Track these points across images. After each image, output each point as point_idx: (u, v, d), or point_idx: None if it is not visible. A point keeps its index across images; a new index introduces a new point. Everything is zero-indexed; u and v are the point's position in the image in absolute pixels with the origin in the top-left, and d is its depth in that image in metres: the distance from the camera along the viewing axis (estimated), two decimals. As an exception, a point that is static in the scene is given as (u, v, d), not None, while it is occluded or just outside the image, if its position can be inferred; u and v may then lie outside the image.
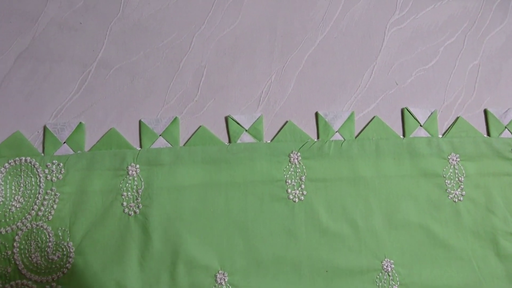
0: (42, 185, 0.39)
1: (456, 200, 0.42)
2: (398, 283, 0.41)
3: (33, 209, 0.39)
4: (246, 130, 0.42)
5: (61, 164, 0.40)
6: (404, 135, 0.43)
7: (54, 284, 0.38)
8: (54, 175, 0.40)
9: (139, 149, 0.41)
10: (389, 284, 0.41)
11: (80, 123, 0.41)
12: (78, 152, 0.41)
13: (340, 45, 0.45)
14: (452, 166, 0.42)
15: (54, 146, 0.41)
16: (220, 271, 0.40)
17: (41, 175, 0.40)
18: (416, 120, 0.43)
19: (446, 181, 0.43)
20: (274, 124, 0.43)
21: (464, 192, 0.42)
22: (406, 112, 0.44)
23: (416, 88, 0.45)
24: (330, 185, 0.42)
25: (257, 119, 0.43)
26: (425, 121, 0.44)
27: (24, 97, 0.42)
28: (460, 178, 0.43)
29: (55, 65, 0.43)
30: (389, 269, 0.41)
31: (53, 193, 0.39)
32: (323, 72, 0.45)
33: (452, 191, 0.42)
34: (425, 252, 0.41)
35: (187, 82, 0.44)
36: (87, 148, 0.41)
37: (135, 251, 0.39)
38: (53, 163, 0.40)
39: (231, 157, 0.42)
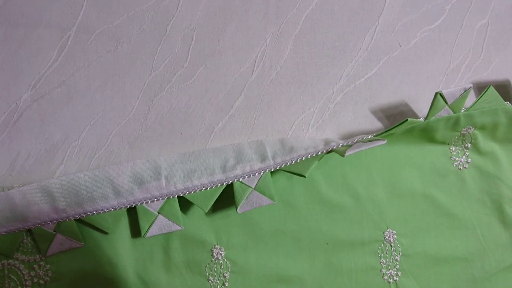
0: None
1: (461, 167, 0.41)
2: (400, 253, 0.40)
3: None
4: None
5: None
6: (427, 118, 0.38)
7: (42, 263, 0.37)
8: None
9: None
10: (392, 255, 0.40)
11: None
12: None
13: (340, 4, 0.42)
14: (461, 135, 0.40)
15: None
16: (216, 246, 0.38)
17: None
18: (445, 102, 0.37)
19: (451, 148, 0.41)
20: (270, 91, 0.41)
21: (469, 159, 0.41)
22: (438, 97, 0.37)
23: (420, 50, 0.42)
24: (330, 155, 0.39)
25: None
26: (454, 101, 0.37)
27: (-2, 66, 0.39)
28: (466, 145, 0.41)
29: (31, 30, 0.40)
30: (392, 239, 0.40)
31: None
32: (321, 34, 0.42)
33: (457, 158, 0.41)
34: (428, 222, 0.40)
35: (175, 47, 0.41)
36: None
37: (127, 227, 0.38)
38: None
39: None
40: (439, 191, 0.40)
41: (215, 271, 0.38)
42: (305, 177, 0.35)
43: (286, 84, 0.41)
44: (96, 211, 0.35)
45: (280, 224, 0.39)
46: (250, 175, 0.36)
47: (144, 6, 0.41)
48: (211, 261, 0.38)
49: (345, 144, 0.36)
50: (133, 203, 0.36)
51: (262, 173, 0.36)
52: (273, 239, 0.39)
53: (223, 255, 0.38)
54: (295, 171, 0.36)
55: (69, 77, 0.40)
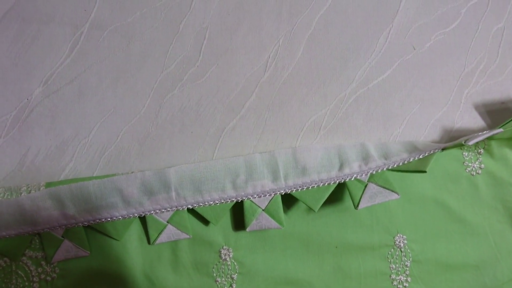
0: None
1: (474, 173, 0.40)
2: (410, 259, 0.39)
3: None
4: None
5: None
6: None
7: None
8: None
9: None
10: (402, 261, 0.39)
11: None
12: None
13: (354, 6, 0.42)
14: (475, 143, 0.39)
15: None
16: (224, 247, 0.38)
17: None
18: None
19: (464, 153, 0.40)
20: (282, 91, 0.41)
21: (482, 165, 0.40)
22: None
23: (435, 53, 0.42)
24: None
25: None
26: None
27: (10, 61, 0.39)
28: (479, 150, 0.40)
29: (44, 26, 0.40)
30: (402, 245, 0.39)
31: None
32: (335, 35, 0.41)
33: (470, 164, 0.40)
34: (439, 227, 0.39)
35: (187, 46, 0.40)
36: None
37: (135, 226, 0.37)
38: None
39: None
40: (451, 197, 0.40)
41: (222, 272, 0.38)
42: (315, 211, 0.36)
43: (298, 85, 0.41)
44: (105, 219, 0.35)
45: (289, 227, 0.38)
46: (261, 195, 0.36)
47: (157, 4, 0.41)
48: (219, 262, 0.38)
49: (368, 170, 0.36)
50: (143, 213, 0.36)
51: (273, 194, 0.36)
52: (281, 241, 0.38)
53: (231, 256, 0.38)
54: (305, 202, 0.36)
55: (81, 74, 0.39)
